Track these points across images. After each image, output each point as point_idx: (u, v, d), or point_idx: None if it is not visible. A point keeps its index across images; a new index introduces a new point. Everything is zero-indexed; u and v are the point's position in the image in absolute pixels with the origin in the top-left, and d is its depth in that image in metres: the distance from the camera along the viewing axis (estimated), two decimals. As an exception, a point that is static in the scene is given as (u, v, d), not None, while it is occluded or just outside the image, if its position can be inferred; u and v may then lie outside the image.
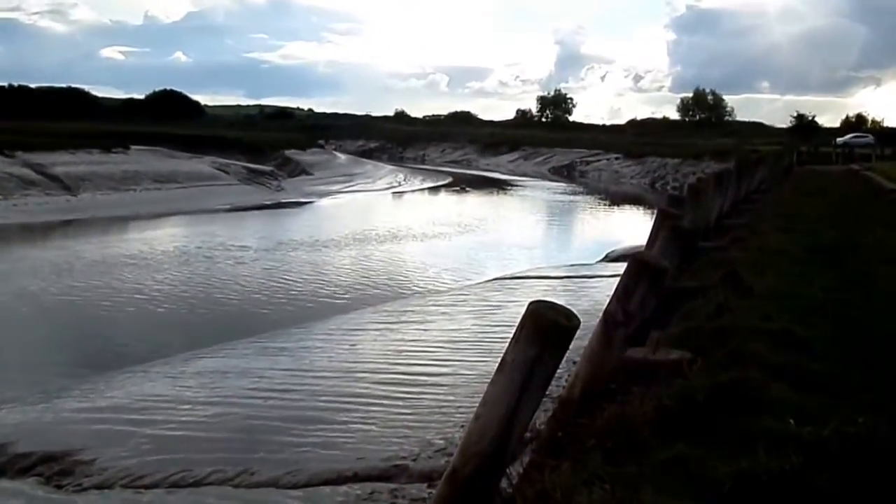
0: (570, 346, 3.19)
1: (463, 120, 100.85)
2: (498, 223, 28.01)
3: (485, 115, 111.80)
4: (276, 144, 48.76)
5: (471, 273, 17.20)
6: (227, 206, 30.20)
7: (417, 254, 20.30)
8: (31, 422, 7.51)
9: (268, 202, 32.93)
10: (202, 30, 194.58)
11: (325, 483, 5.93)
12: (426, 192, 43.46)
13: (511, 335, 3.08)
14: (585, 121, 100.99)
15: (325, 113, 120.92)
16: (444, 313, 12.03)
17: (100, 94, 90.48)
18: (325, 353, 9.63)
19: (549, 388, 3.28)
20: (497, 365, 3.05)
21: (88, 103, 78.52)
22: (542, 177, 57.22)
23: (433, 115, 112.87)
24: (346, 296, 14.46)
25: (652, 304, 4.27)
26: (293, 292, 14.58)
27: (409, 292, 14.82)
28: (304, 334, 10.95)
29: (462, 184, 45.95)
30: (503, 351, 3.10)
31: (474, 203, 37.32)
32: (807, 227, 10.75)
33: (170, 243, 20.37)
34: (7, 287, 14.35)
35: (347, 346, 9.97)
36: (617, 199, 42.17)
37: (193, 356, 9.88)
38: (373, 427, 6.92)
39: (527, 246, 22.41)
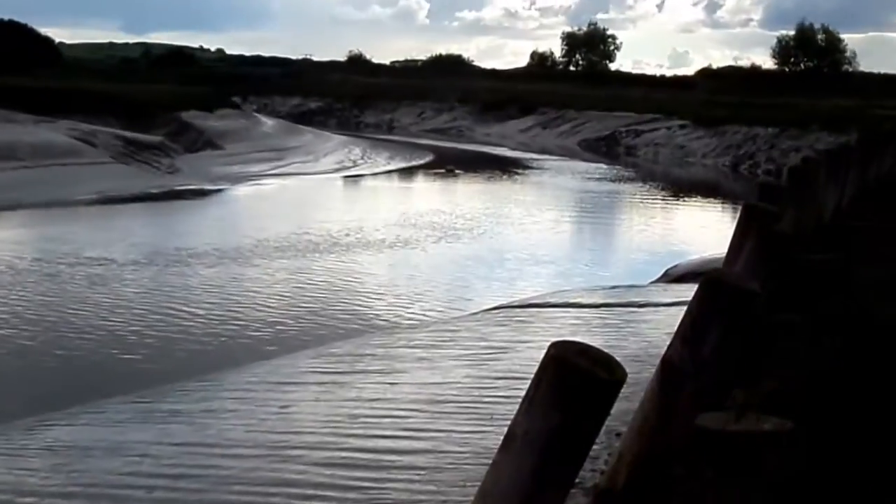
0: (612, 411, 3.18)
1: (451, 68, 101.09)
2: (502, 224, 28.08)
3: (484, 62, 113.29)
4: (167, 103, 48.69)
5: (461, 298, 17.19)
6: (93, 197, 30.09)
7: (381, 270, 20.27)
8: None
9: (154, 190, 32.85)
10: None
11: None
12: (395, 176, 43.46)
13: (522, 393, 3.07)
14: (634, 70, 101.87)
15: (242, 56, 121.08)
16: (420, 359, 12.00)
17: None
18: (240, 420, 9.57)
19: (580, 472, 3.27)
20: (502, 439, 3.04)
21: None
22: (570, 154, 57.42)
23: (406, 62, 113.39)
24: (273, 333, 14.41)
25: (734, 347, 4.27)
26: (190, 328, 14.54)
27: (368, 327, 14.81)
28: (208, 391, 10.89)
29: (450, 164, 46.00)
30: (510, 418, 3.08)
31: (468, 194, 37.34)
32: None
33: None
34: None
35: (275, 410, 9.92)
36: (682, 188, 42.33)
37: (40, 423, 9.81)
38: (313, 532, 6.89)
39: (545, 258, 22.45)
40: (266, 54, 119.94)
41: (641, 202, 36.52)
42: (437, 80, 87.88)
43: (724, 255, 7.28)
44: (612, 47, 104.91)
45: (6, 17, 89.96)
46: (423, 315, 15.87)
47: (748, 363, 5.01)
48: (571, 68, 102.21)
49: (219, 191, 34.75)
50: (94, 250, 20.57)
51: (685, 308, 4.29)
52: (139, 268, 19.06)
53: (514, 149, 59.32)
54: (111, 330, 14.37)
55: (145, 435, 9.23)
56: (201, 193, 33.63)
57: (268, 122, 59.32)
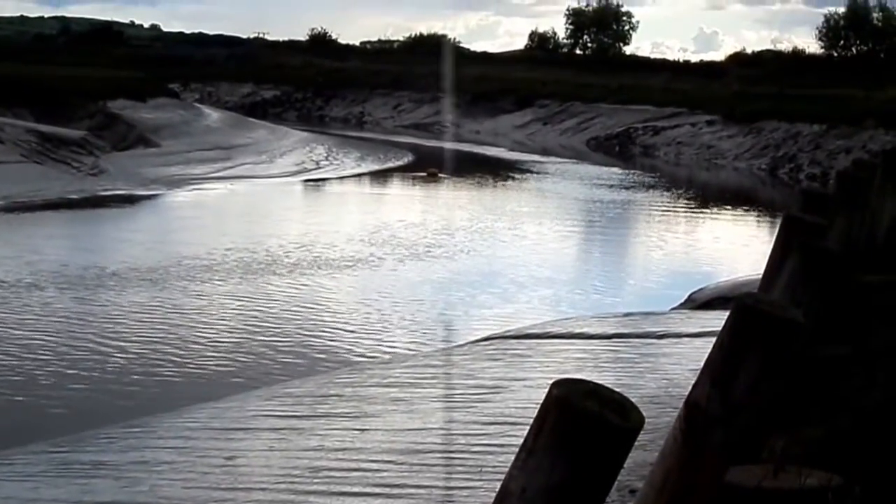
0: (626, 463, 3.19)
1: (434, 51, 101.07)
2: (495, 240, 28.08)
3: (473, 44, 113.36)
4: (91, 90, 48.60)
5: (445, 327, 17.14)
6: (-2, 203, 30.03)
7: (348, 293, 20.23)
8: None
9: (73, 195, 32.70)
10: None
11: None
12: (366, 180, 43.41)
13: (518, 442, 3.08)
14: (653, 55, 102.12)
15: (181, 34, 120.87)
16: (395, 401, 12.01)
17: None
18: (177, 474, 9.56)
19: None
20: (494, 496, 3.06)
21: None
22: (576, 155, 57.48)
23: (380, 42, 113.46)
24: (216, 369, 14.39)
25: (773, 387, 4.31)
26: (114, 363, 14.50)
27: (332, 362, 14.80)
28: (138, 438, 10.86)
29: (432, 167, 46.02)
30: (504, 471, 3.10)
31: (454, 203, 37.29)
32: None
33: None
34: None
35: (219, 461, 9.92)
36: (709, 196, 42.40)
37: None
38: None
39: (546, 280, 22.46)
40: (210, 32, 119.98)
41: (661, 213, 36.55)
42: (416, 65, 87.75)
43: (759, 276, 7.33)
44: (626, 27, 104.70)
45: None
46: (400, 347, 15.85)
47: (789, 406, 5.05)
48: (578, 52, 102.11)
49: (151, 196, 34.63)
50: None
51: (713, 340, 4.32)
52: (51, 288, 18.89)
53: (508, 149, 59.33)
54: (15, 366, 14.32)
55: (62, 492, 9.19)
56: (130, 200, 33.47)
57: (212, 115, 59.21)
